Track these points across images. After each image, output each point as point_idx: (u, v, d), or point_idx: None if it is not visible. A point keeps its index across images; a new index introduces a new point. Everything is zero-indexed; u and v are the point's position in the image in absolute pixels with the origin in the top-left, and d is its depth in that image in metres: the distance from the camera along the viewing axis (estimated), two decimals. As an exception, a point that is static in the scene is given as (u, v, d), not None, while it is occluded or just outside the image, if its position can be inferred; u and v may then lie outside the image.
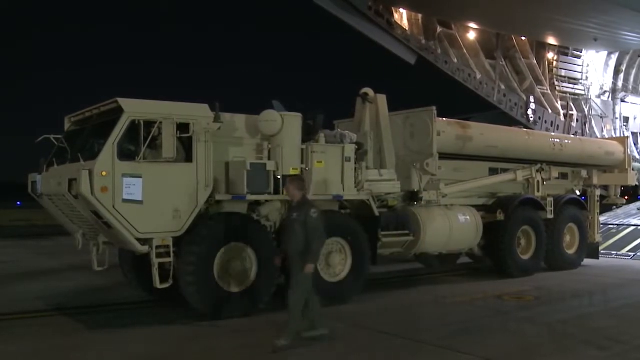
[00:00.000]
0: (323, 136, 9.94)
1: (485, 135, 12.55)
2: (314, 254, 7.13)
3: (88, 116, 9.10)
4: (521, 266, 12.78)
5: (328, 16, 21.52)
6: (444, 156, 11.52)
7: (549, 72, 26.45)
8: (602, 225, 16.88)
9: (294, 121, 9.56)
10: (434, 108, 11.43)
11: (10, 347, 7.34)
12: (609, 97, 27.55)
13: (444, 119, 11.87)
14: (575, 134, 24.47)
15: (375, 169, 10.71)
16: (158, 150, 8.12)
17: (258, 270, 8.84)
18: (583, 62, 27.01)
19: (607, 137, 23.67)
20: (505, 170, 13.38)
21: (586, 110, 26.52)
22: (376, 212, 10.31)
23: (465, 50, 24.37)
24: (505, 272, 12.58)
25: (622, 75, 27.74)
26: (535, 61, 25.83)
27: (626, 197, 18.92)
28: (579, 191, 15.54)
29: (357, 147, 10.21)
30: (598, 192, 15.66)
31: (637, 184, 17.31)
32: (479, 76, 24.25)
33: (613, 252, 16.38)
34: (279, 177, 9.09)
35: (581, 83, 26.95)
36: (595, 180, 15.39)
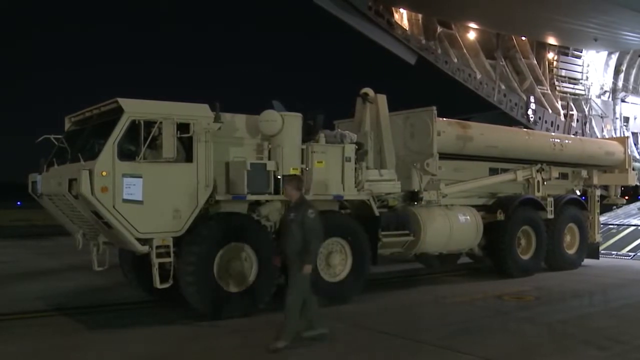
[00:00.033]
0: (323, 136, 9.94)
1: (485, 135, 12.55)
2: (311, 255, 7.11)
3: (88, 116, 9.10)
4: (521, 266, 12.78)
5: (328, 16, 21.55)
6: (444, 156, 11.52)
7: (549, 72, 26.46)
8: (602, 225, 16.88)
9: (294, 121, 9.55)
10: (434, 108, 11.42)
11: (10, 347, 7.34)
12: (609, 97, 27.57)
13: (444, 119, 11.87)
14: (576, 134, 24.47)
15: (375, 169, 10.71)
16: (158, 150, 8.11)
17: (258, 270, 8.84)
18: (583, 62, 27.02)
19: (607, 137, 23.67)
20: (505, 170, 13.38)
21: (586, 110, 26.53)
22: (376, 212, 10.31)
23: (465, 50, 24.38)
24: (506, 272, 12.58)
25: (622, 75, 27.76)
26: (535, 61, 25.85)
27: (626, 197, 18.91)
28: (579, 191, 15.54)
29: (357, 147, 10.20)
30: (598, 192, 15.66)
31: (638, 184, 17.30)
32: (479, 76, 24.26)
33: (613, 252, 16.38)
34: (279, 177, 9.08)
35: (581, 83, 26.96)
36: (595, 180, 15.39)
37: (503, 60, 25.09)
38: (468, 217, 12.02)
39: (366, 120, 11.23)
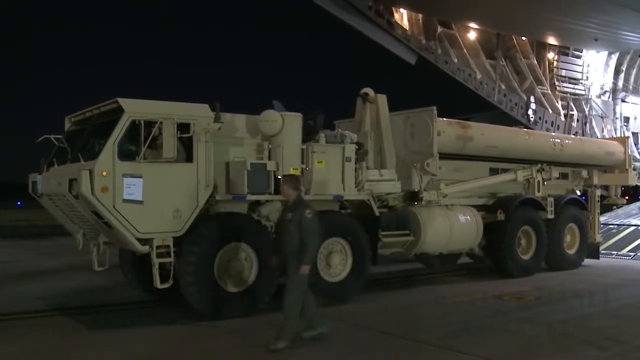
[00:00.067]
0: (323, 136, 9.94)
1: (485, 135, 12.55)
2: (308, 255, 7.10)
3: (88, 116, 9.10)
4: (521, 266, 12.78)
5: (328, 16, 21.52)
6: (444, 156, 11.52)
7: (549, 72, 26.41)
8: (602, 225, 16.88)
9: (294, 121, 9.55)
10: (434, 108, 11.43)
11: (10, 347, 7.35)
12: (609, 97, 27.53)
13: (444, 119, 11.87)
14: (576, 134, 24.45)
15: (375, 169, 10.71)
16: (158, 150, 8.12)
17: (258, 271, 8.84)
18: (583, 62, 26.98)
19: (607, 137, 23.66)
20: (505, 170, 13.38)
21: (586, 110, 26.50)
22: (376, 212, 10.31)
23: (465, 50, 24.35)
24: (506, 272, 12.58)
25: (622, 75, 27.71)
26: (535, 61, 25.80)
27: (626, 197, 18.93)
28: (580, 191, 15.54)
29: (357, 147, 10.20)
30: (598, 192, 15.66)
31: (638, 184, 17.30)
32: (479, 76, 24.23)
33: (613, 252, 16.38)
34: (279, 177, 9.08)
35: (581, 83, 26.93)
36: (595, 180, 15.39)
37: (503, 60, 25.06)
38: (468, 217, 12.02)
39: (366, 120, 11.23)
